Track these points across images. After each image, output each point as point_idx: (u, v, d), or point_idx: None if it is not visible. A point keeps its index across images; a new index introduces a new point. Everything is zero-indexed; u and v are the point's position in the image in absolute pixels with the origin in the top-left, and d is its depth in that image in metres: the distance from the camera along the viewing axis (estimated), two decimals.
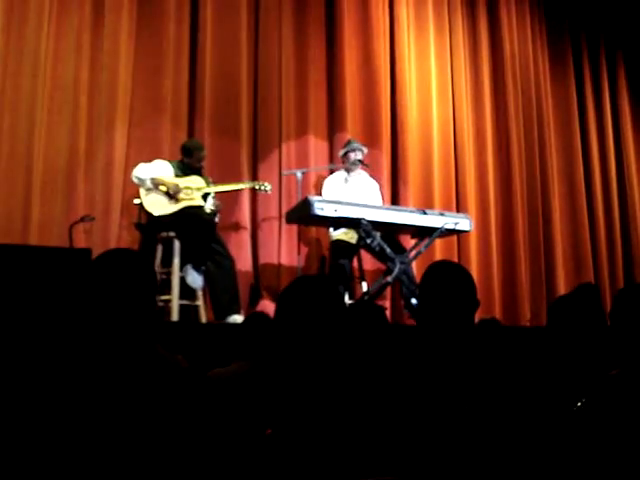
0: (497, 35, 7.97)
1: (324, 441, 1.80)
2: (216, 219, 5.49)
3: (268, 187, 5.71)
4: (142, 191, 5.28)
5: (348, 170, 6.14)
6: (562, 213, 8.10)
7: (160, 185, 5.26)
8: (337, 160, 6.38)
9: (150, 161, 5.43)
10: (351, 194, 5.93)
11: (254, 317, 3.09)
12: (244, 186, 5.83)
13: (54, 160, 5.60)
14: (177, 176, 5.39)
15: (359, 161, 6.09)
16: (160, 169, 5.38)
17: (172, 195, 5.26)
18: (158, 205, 5.25)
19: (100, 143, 5.77)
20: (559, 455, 1.99)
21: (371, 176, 6.35)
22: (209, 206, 5.45)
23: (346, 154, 6.14)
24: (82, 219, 5.24)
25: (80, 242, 5.29)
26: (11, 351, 2.83)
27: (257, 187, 5.73)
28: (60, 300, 3.27)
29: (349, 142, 6.23)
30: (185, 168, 5.47)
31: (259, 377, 1.92)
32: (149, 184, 5.26)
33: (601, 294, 7.87)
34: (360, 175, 6.22)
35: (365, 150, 6.18)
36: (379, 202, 6.24)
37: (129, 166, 5.61)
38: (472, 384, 2.05)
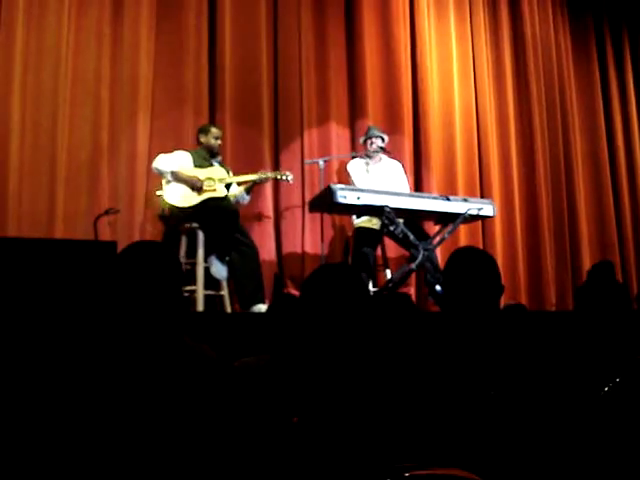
0: (518, 17, 7.90)
1: (351, 428, 1.80)
2: (246, 201, 5.52)
3: (290, 177, 5.69)
4: (164, 182, 5.30)
5: (369, 156, 6.11)
6: (587, 196, 8.04)
7: (181, 179, 5.28)
8: (359, 147, 6.35)
9: (171, 152, 5.45)
10: (373, 182, 5.91)
11: (282, 299, 3.09)
12: (266, 176, 5.81)
13: (77, 153, 5.63)
14: (197, 166, 5.40)
15: (381, 148, 6.06)
16: (180, 159, 5.39)
17: (194, 187, 5.27)
18: (181, 197, 5.26)
19: (122, 135, 5.79)
20: (588, 439, 1.98)
21: (392, 158, 6.31)
22: (233, 192, 5.48)
23: (366, 141, 6.12)
24: (106, 212, 5.26)
25: (105, 235, 5.31)
26: (40, 345, 2.85)
27: (279, 177, 5.72)
28: (87, 293, 3.29)
29: (369, 129, 6.21)
30: (204, 154, 5.48)
31: (285, 365, 1.93)
32: (169, 177, 5.28)
33: (627, 276, 7.83)
34: (381, 161, 6.20)
35: (386, 137, 6.15)
36: (404, 183, 6.22)
37: (152, 158, 5.62)
38: (499, 369, 2.04)
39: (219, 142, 5.57)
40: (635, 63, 8.70)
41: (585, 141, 8.20)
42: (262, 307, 5.17)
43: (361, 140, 6.21)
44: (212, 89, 6.26)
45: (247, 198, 5.64)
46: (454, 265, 2.29)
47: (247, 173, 5.65)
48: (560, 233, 7.62)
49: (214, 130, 5.56)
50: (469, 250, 2.43)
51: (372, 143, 6.07)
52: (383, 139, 6.11)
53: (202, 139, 5.53)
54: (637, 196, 8.30)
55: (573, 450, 1.96)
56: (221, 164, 5.56)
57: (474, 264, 2.25)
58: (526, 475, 1.90)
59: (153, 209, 5.66)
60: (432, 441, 1.88)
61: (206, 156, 5.49)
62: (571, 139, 7.97)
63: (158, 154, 5.47)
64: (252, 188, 5.62)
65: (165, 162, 5.33)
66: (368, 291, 2.13)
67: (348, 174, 6.10)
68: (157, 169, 5.33)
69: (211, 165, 5.47)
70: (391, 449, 1.79)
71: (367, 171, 6.10)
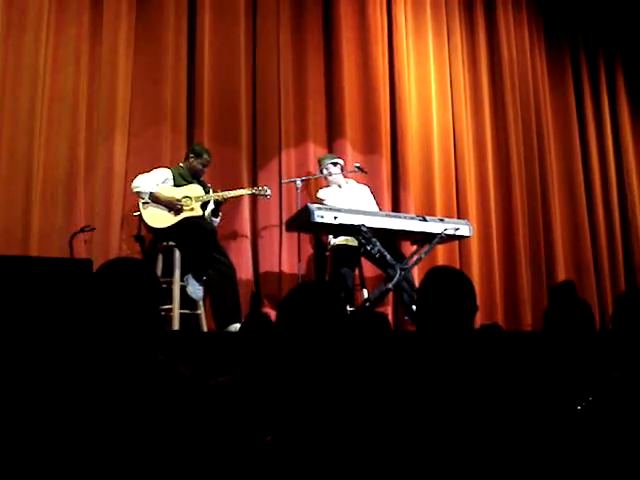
0: (495, 41, 7.99)
1: (324, 447, 1.80)
2: (215, 223, 5.50)
3: (268, 191, 5.69)
4: (141, 202, 5.29)
5: (334, 183, 6.17)
6: (562, 219, 8.11)
7: (159, 201, 5.26)
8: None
9: (149, 171, 5.44)
10: (348, 204, 5.92)
11: (255, 317, 3.08)
12: (243, 192, 5.81)
13: (54, 170, 5.60)
14: (178, 184, 5.39)
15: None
16: (160, 177, 5.39)
17: (172, 209, 5.26)
18: (158, 218, 5.25)
19: (100, 153, 5.77)
20: (561, 457, 1.98)
21: (359, 182, 6.36)
22: (208, 212, 5.47)
23: (323, 172, 6.17)
24: (82, 229, 5.22)
25: (80, 253, 5.28)
26: (13, 362, 2.83)
27: (257, 192, 5.72)
28: (62, 311, 3.27)
29: (320, 161, 6.29)
30: (185, 173, 5.48)
31: (260, 384, 1.92)
32: (147, 199, 5.27)
33: (602, 296, 7.90)
34: (349, 184, 6.25)
35: (340, 161, 6.24)
36: (374, 206, 6.25)
37: (129, 176, 5.62)
38: (473, 389, 2.05)
39: (205, 169, 5.57)
40: (610, 85, 8.82)
41: (561, 163, 8.28)
42: (238, 327, 5.14)
43: (323, 172, 6.22)
44: (190, 107, 6.26)
45: (216, 220, 5.59)
46: (428, 284, 2.30)
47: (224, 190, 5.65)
48: (536, 253, 7.67)
49: (205, 157, 5.55)
50: (443, 269, 2.44)
51: (330, 171, 6.12)
52: (336, 163, 6.16)
53: (191, 159, 5.52)
54: (612, 217, 8.39)
55: (547, 468, 1.96)
56: (201, 182, 5.54)
57: (448, 283, 2.25)
58: None
59: (129, 228, 5.63)
60: (407, 459, 1.88)
61: (187, 175, 5.49)
62: (547, 161, 8.05)
63: (136, 172, 5.47)
64: (218, 210, 5.58)
65: (144, 182, 5.32)
66: (346, 310, 2.13)
67: (321, 200, 6.09)
68: (137, 190, 5.31)
69: (190, 183, 5.46)
70: (364, 467, 1.78)
71: (339, 192, 6.13)
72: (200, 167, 5.52)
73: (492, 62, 7.95)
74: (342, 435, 1.82)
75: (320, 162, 6.26)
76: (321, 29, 7.00)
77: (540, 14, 8.52)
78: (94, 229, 5.41)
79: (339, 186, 6.19)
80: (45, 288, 3.41)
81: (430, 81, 7.46)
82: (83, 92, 5.79)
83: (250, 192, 5.79)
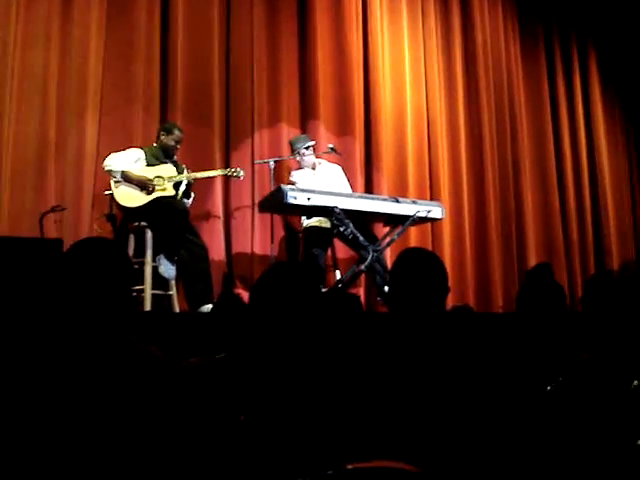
0: (469, 23, 7.99)
1: (298, 427, 1.81)
2: (187, 205, 5.46)
3: (241, 173, 5.67)
4: (112, 181, 5.24)
5: (307, 166, 6.16)
6: (534, 201, 8.18)
7: (131, 180, 5.22)
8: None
9: (122, 150, 5.39)
10: (320, 185, 5.91)
11: (227, 298, 3.08)
12: (216, 173, 5.79)
13: (24, 149, 5.54)
14: (149, 164, 5.35)
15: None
16: (132, 157, 5.34)
17: (144, 188, 5.22)
18: (130, 197, 5.21)
19: (71, 132, 5.71)
20: (531, 439, 2.01)
21: (330, 162, 6.35)
22: (180, 193, 5.42)
23: (295, 155, 6.15)
24: (53, 209, 5.18)
25: (51, 233, 5.23)
26: None
27: (229, 173, 5.70)
28: (32, 291, 3.24)
29: (290, 144, 6.27)
30: (158, 153, 5.43)
31: (234, 364, 1.92)
32: (119, 177, 5.22)
33: (572, 278, 8.01)
34: (321, 165, 6.24)
35: (311, 142, 6.20)
36: (346, 186, 6.26)
37: (100, 155, 5.56)
38: (445, 369, 2.06)
39: (178, 146, 5.53)
40: (583, 70, 8.88)
41: (533, 146, 8.34)
42: (211, 307, 5.14)
43: (295, 155, 6.20)
44: (163, 87, 6.20)
45: (188, 201, 5.54)
46: (400, 266, 2.30)
47: (197, 171, 5.63)
48: (507, 236, 7.73)
49: (177, 133, 5.50)
50: (416, 251, 2.45)
51: (304, 154, 6.09)
52: (308, 147, 6.14)
53: (162, 137, 5.47)
54: (583, 201, 8.48)
55: (517, 449, 1.99)
56: (174, 163, 5.50)
57: (420, 264, 2.26)
58: (469, 473, 1.93)
59: (101, 208, 5.59)
60: (378, 438, 1.89)
61: (159, 155, 5.44)
62: (519, 144, 8.10)
63: (107, 151, 5.42)
64: (189, 191, 5.54)
65: (116, 161, 5.27)
66: (319, 290, 2.14)
67: (292, 182, 6.07)
68: (108, 168, 5.26)
69: (163, 163, 5.41)
70: (337, 446, 1.79)
71: (313, 174, 6.12)
72: (172, 144, 5.47)
73: (466, 46, 7.96)
74: (314, 415, 1.83)
75: (292, 145, 6.22)
76: (296, 10, 6.96)
77: None
78: (65, 209, 5.36)
79: (312, 168, 6.18)
80: (15, 268, 3.39)
81: (404, 64, 7.45)
82: (54, 70, 5.71)
83: (223, 173, 5.76)
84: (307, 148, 6.13)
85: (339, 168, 6.34)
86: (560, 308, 2.53)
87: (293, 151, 6.20)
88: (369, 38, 7.23)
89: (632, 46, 9.07)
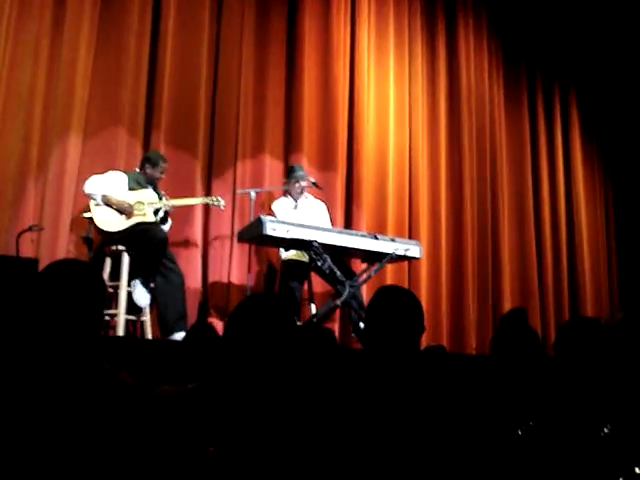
0: (455, 66, 8.11)
1: (267, 460, 1.79)
2: (165, 229, 5.44)
3: (222, 202, 5.69)
4: (92, 204, 5.22)
5: (294, 197, 6.17)
6: (511, 245, 8.24)
7: (111, 204, 5.20)
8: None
9: (103, 173, 5.37)
10: (301, 219, 5.92)
11: (200, 327, 3.06)
12: (197, 201, 5.79)
13: (4, 167, 5.49)
14: (131, 189, 5.34)
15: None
16: (114, 181, 5.32)
17: (123, 212, 5.20)
18: (109, 221, 5.19)
19: (53, 152, 5.67)
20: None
21: (316, 198, 6.38)
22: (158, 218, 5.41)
23: (292, 181, 6.16)
24: (30, 228, 5.13)
25: (27, 252, 5.18)
26: None
27: (211, 202, 5.70)
28: (4, 310, 3.21)
29: (295, 169, 6.25)
30: (141, 180, 5.43)
31: (205, 395, 1.90)
32: (99, 200, 5.20)
33: (546, 323, 8.05)
34: (307, 199, 6.26)
35: (312, 179, 6.21)
36: (328, 223, 6.27)
37: (82, 177, 5.53)
38: (417, 408, 2.06)
39: (163, 176, 5.53)
40: (564, 116, 9.03)
41: (512, 189, 8.43)
42: (183, 335, 5.10)
43: (286, 180, 6.22)
44: (149, 112, 6.21)
45: (165, 228, 5.51)
46: (378, 302, 2.31)
47: (178, 198, 5.62)
48: (484, 279, 7.77)
49: (162, 165, 5.51)
50: (393, 288, 2.45)
51: (299, 184, 6.11)
52: (308, 180, 6.16)
53: (148, 170, 5.47)
54: (559, 248, 8.57)
55: None
56: (155, 189, 5.49)
57: (398, 302, 2.27)
58: None
59: (78, 230, 5.55)
60: (347, 475, 1.88)
61: (141, 180, 5.43)
62: (499, 189, 8.19)
63: (88, 173, 5.41)
64: (166, 217, 5.53)
65: (97, 185, 5.25)
66: (295, 323, 2.13)
67: (273, 213, 6.09)
68: (89, 191, 5.24)
69: (144, 188, 5.40)
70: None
71: (295, 207, 6.13)
72: (158, 175, 5.49)
73: (451, 89, 8.06)
74: (285, 449, 1.81)
75: (294, 171, 6.20)
76: (284, 43, 7.02)
77: (500, 44, 8.68)
78: (42, 229, 5.32)
79: (297, 199, 6.16)
80: None
81: (389, 102, 7.52)
82: (40, 90, 5.70)
83: (204, 202, 5.76)
84: (305, 182, 6.13)
85: (324, 205, 6.36)
86: (534, 353, 2.54)
87: (289, 176, 6.20)
88: (355, 74, 7.31)
89: (613, 96, 9.24)
